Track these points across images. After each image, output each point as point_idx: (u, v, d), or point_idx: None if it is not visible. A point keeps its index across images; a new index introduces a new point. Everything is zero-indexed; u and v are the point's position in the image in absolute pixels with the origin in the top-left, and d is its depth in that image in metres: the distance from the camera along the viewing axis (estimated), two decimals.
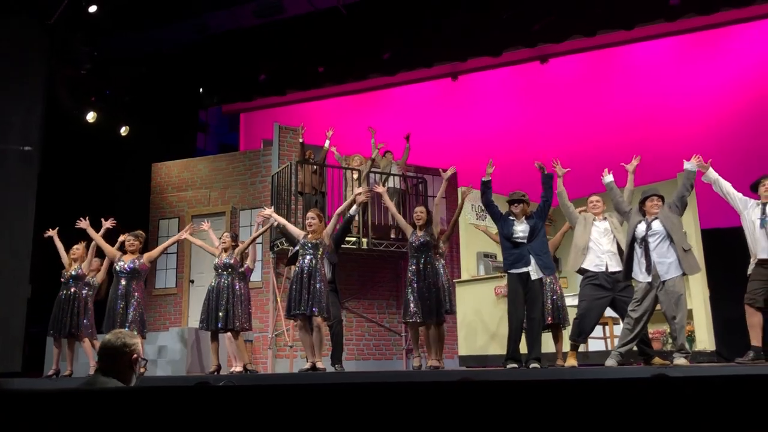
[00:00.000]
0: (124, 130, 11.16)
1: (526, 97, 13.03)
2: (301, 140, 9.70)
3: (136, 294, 7.24)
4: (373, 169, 10.23)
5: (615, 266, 6.32)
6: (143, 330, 7.24)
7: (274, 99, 13.40)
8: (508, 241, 6.44)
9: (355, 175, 10.03)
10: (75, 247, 7.87)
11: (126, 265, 7.27)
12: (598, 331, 8.51)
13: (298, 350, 9.64)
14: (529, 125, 12.70)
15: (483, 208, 10.10)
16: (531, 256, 6.28)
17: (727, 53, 11.49)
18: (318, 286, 6.60)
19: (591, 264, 6.45)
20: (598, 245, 6.49)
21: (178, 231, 10.82)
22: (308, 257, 6.72)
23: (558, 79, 12.68)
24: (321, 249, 6.78)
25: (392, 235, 10.17)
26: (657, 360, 6.22)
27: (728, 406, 1.92)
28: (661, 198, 6.08)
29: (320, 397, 2.08)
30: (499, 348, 8.89)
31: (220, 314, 7.27)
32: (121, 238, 7.64)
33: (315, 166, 9.75)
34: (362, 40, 11.02)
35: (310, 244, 6.76)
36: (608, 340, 8.34)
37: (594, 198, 6.87)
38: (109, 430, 2.08)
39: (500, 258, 9.89)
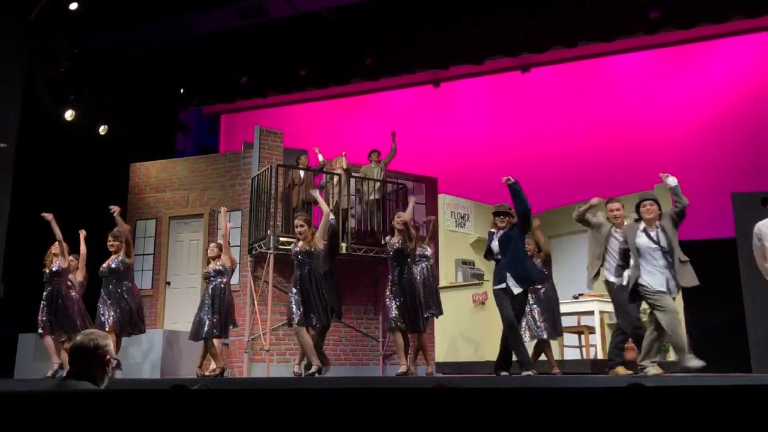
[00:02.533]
0: (102, 130, 11.04)
1: (507, 106, 13.12)
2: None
3: (124, 294, 7.19)
4: (354, 175, 10.25)
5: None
6: (137, 328, 7.25)
7: (256, 101, 13.36)
8: (491, 260, 6.40)
9: (334, 181, 10.04)
10: (54, 244, 7.69)
11: (106, 267, 7.21)
12: (573, 340, 8.58)
13: (275, 354, 9.60)
14: (510, 133, 12.79)
15: (462, 215, 10.20)
16: (505, 271, 6.13)
17: (704, 67, 11.67)
18: (317, 295, 6.62)
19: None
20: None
21: (156, 232, 10.79)
22: (306, 267, 6.67)
23: (539, 89, 12.79)
24: (315, 254, 6.74)
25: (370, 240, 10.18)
26: (620, 369, 6.21)
27: (702, 415, 1.94)
28: (656, 202, 5.84)
29: (295, 402, 2.07)
30: (476, 355, 8.93)
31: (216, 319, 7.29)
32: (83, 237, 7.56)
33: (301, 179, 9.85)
34: (345, 44, 11.02)
35: (303, 253, 6.70)
36: (584, 349, 8.40)
37: (615, 205, 6.43)
38: None
39: (478, 265, 9.99)
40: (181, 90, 12.48)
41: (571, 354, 8.55)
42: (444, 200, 10.08)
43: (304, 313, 6.62)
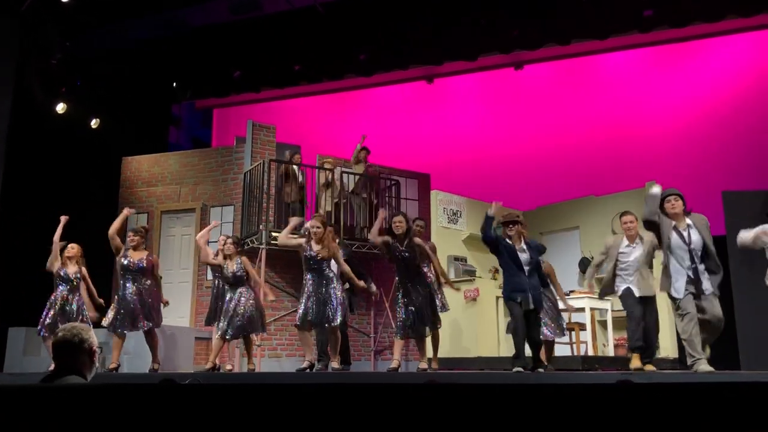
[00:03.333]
0: (94, 123, 10.99)
1: (500, 103, 13.14)
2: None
3: (145, 290, 7.21)
4: (344, 170, 10.24)
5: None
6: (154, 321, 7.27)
7: (249, 96, 13.30)
8: (512, 268, 6.35)
9: (322, 180, 10.05)
10: (70, 246, 7.51)
11: (134, 262, 7.18)
12: (564, 336, 8.62)
13: (266, 349, 9.60)
14: (503, 130, 12.81)
15: (454, 211, 10.20)
16: (530, 291, 6.27)
17: (697, 65, 11.71)
18: (334, 296, 6.59)
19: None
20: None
21: (147, 226, 10.75)
22: (316, 271, 6.62)
23: (532, 86, 12.81)
24: (330, 262, 6.73)
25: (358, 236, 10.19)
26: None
27: (691, 412, 1.95)
28: (680, 197, 5.76)
29: (286, 398, 2.07)
30: (468, 351, 8.94)
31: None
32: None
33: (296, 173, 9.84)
34: (339, 40, 11.00)
35: (316, 258, 6.61)
36: (575, 346, 8.43)
37: (629, 217, 6.49)
38: (73, 427, 2.05)
39: (470, 261, 10.00)
40: (174, 83, 12.43)
41: (562, 350, 8.58)
42: (436, 196, 10.08)
43: (303, 312, 6.64)
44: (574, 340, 8.43)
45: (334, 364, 6.75)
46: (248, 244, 9.80)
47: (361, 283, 7.01)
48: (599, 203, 10.01)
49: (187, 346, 8.94)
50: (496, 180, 12.01)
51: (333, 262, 6.88)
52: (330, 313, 6.55)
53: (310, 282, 6.65)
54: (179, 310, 10.21)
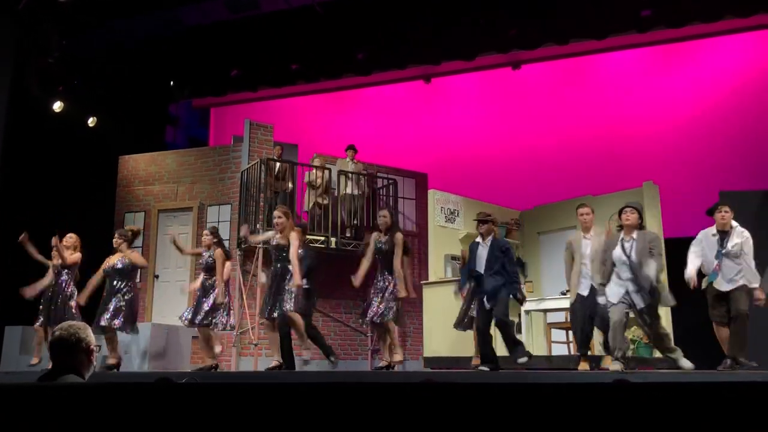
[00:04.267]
0: (91, 121, 10.96)
1: (497, 102, 13.14)
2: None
3: (124, 290, 7.24)
4: (341, 169, 10.24)
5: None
6: (132, 327, 7.29)
7: (246, 95, 13.29)
8: (469, 269, 6.49)
9: (312, 177, 10.07)
10: (69, 235, 7.63)
11: (110, 266, 7.28)
12: (561, 336, 8.63)
13: (263, 348, 9.58)
14: (500, 129, 12.81)
15: (452, 210, 10.21)
16: (483, 291, 6.31)
17: (696, 65, 11.72)
18: (287, 288, 6.62)
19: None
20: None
21: (144, 225, 10.75)
22: (279, 263, 6.71)
23: (529, 85, 12.81)
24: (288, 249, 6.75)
25: (348, 234, 10.20)
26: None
27: (686, 412, 1.96)
28: (637, 210, 5.93)
29: (282, 397, 2.07)
30: (464, 350, 8.94)
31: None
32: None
33: (276, 171, 9.80)
34: (337, 39, 10.99)
35: (279, 247, 6.73)
36: (571, 345, 8.44)
37: (584, 209, 6.58)
38: (70, 426, 2.04)
39: None
40: (171, 82, 12.40)
41: (559, 350, 8.58)
42: (434, 196, 10.07)
43: (262, 308, 6.84)
44: (570, 339, 8.44)
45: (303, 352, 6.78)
46: (245, 243, 9.80)
47: (303, 281, 6.93)
48: (597, 203, 10.00)
49: (184, 345, 8.93)
50: (494, 179, 12.02)
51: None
52: (280, 302, 6.57)
53: (272, 273, 6.79)
54: (176, 309, 10.18)
